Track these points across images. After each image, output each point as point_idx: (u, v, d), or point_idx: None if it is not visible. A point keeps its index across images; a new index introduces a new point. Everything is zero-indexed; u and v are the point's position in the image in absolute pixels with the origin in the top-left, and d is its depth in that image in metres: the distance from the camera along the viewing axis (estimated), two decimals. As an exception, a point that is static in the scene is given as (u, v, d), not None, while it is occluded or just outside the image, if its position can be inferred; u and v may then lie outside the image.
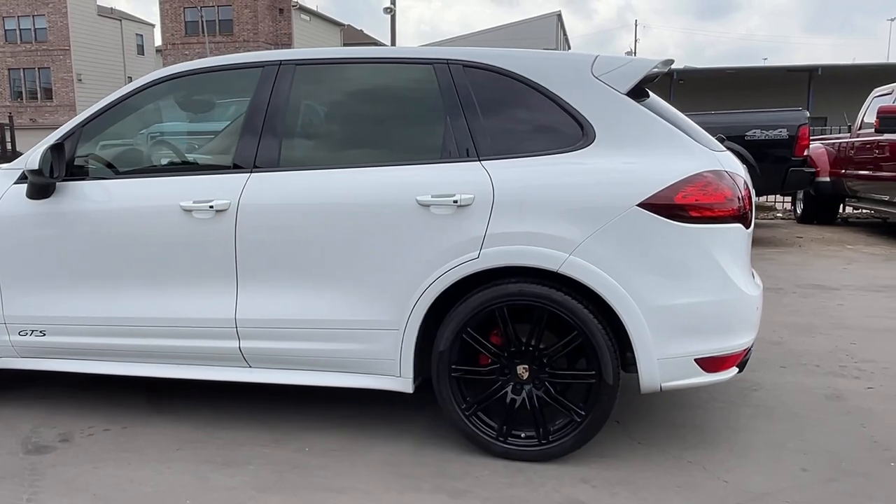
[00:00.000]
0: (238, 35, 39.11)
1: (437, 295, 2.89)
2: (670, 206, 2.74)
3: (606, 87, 2.93)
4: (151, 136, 3.49)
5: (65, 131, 3.34)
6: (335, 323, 3.01)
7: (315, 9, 43.56)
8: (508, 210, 2.81)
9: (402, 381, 3.02)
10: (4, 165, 3.49)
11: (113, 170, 3.35)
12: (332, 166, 3.06)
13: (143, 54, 47.03)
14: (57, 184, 3.24)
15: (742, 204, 2.85)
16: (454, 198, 2.84)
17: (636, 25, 77.56)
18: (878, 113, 8.70)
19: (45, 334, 3.35)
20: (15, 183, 3.35)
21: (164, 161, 3.41)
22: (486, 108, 2.98)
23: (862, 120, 10.28)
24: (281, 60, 3.19)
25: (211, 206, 3.05)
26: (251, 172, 3.09)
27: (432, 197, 2.87)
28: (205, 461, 2.98)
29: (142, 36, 46.92)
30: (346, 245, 2.97)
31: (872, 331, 4.87)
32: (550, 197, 2.80)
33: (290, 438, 3.19)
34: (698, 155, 2.87)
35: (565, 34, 59.73)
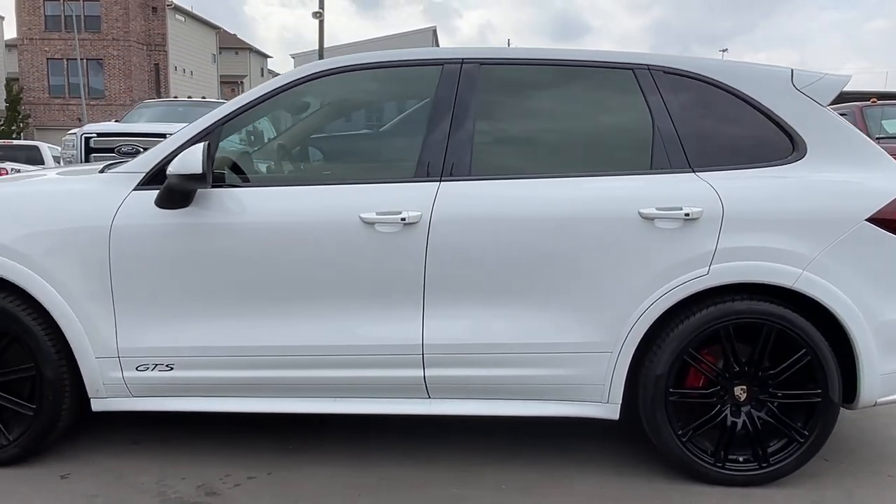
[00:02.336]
0: (107, 33, 36.33)
1: (658, 314, 2.72)
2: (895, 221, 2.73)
3: (810, 101, 2.89)
4: (306, 138, 3.05)
5: (201, 129, 2.86)
6: (538, 347, 2.76)
7: (190, 9, 41.44)
8: (739, 224, 2.69)
9: (609, 408, 2.81)
10: (120, 169, 2.93)
11: (261, 175, 2.90)
12: (532, 176, 2.81)
13: (-10, 49, 42.64)
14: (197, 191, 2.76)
15: None
16: (684, 211, 2.68)
17: (508, 44, 79.63)
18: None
19: (172, 368, 2.83)
20: (135, 189, 2.82)
21: (326, 166, 2.98)
22: (693, 116, 2.85)
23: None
24: (463, 59, 2.90)
25: (403, 219, 2.70)
26: (440, 181, 2.77)
27: (657, 210, 2.69)
28: (405, 508, 2.63)
29: (-11, 29, 42.53)
30: (554, 261, 2.73)
31: None
32: (781, 210, 2.72)
33: (470, 475, 2.88)
34: None
35: (439, 49, 60.45)
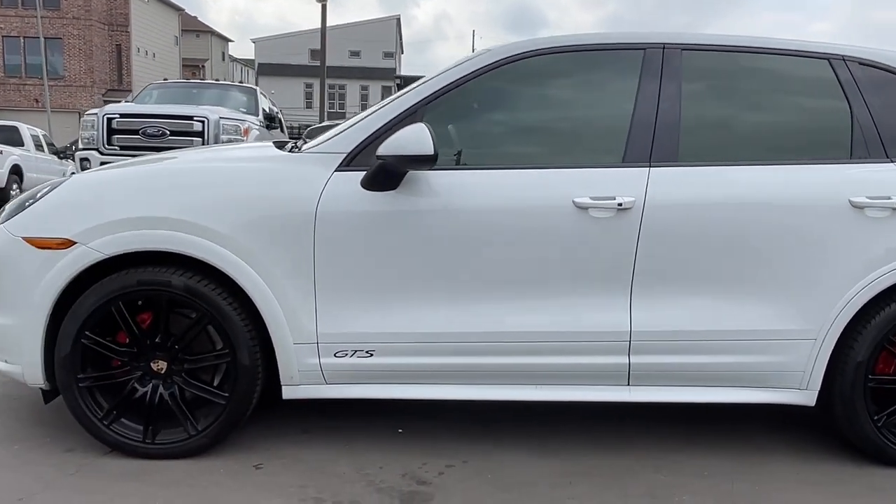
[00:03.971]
0: (66, 11, 34.87)
1: (865, 302, 2.76)
2: None
3: None
4: (506, 121, 2.97)
5: (404, 109, 2.77)
6: (745, 334, 2.77)
7: (153, -10, 40.14)
8: None
9: (807, 395, 2.84)
10: (317, 149, 2.81)
11: (465, 158, 2.82)
12: (738, 162, 2.81)
13: (-63, 24, 40.55)
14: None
15: None
16: (895, 200, 2.72)
17: (474, 36, 79.83)
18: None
19: (372, 355, 2.75)
20: (337, 170, 2.72)
21: (529, 150, 2.91)
22: (888, 107, 2.89)
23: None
24: (664, 43, 2.88)
25: (619, 204, 2.68)
26: (650, 166, 2.75)
27: (868, 198, 2.73)
28: (622, 495, 2.60)
29: (-63, 3, 40.41)
30: (764, 248, 2.74)
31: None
32: None
33: (667, 462, 2.88)
34: None
35: (401, 39, 60.36)
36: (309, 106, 49.36)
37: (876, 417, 2.84)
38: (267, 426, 3.08)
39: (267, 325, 2.69)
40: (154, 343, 2.74)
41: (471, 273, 2.72)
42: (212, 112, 8.60)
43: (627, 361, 2.77)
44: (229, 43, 57.65)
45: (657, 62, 2.85)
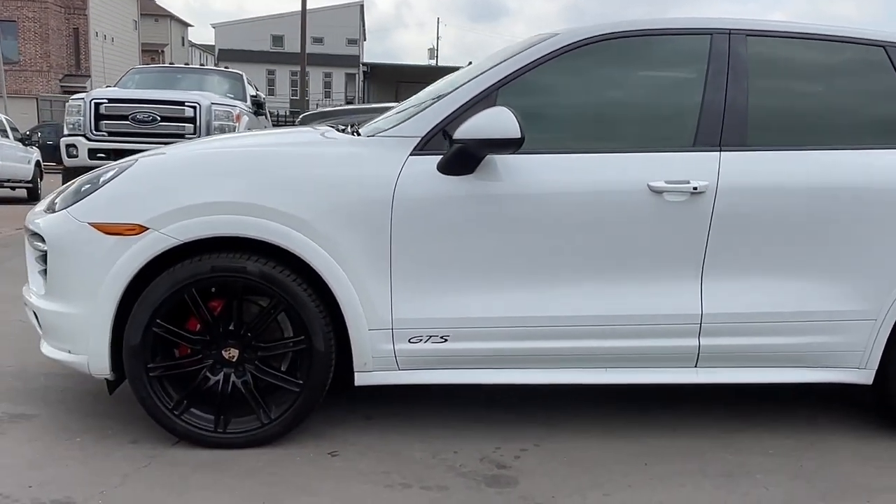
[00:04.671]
0: (21, -8, 33.84)
1: (922, 282, 2.84)
2: None
3: None
4: (577, 105, 2.96)
5: (478, 92, 2.74)
6: (812, 315, 2.83)
7: (111, -29, 39.01)
8: None
9: (865, 374, 2.92)
10: (388, 132, 2.76)
11: (539, 142, 2.79)
12: (804, 147, 2.86)
13: None
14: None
15: None
16: (955, 184, 2.80)
17: (438, 23, 79.46)
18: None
19: (446, 340, 2.74)
20: (412, 154, 2.69)
21: (601, 134, 2.91)
22: (938, 94, 2.97)
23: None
24: (730, 29, 2.91)
25: (694, 188, 2.71)
26: (721, 150, 2.79)
27: (928, 182, 2.81)
28: (702, 475, 2.65)
29: None
30: (829, 232, 2.80)
31: None
32: None
33: (732, 441, 2.93)
34: None
35: (364, 26, 59.74)
36: (272, 93, 48.60)
37: (929, 395, 2.94)
38: (327, 415, 3.04)
39: (343, 311, 2.66)
40: (226, 331, 2.69)
41: (545, 257, 2.72)
42: (203, 97, 8.40)
43: (697, 344, 2.81)
44: (189, 28, 56.42)
45: (724, 47, 2.88)
